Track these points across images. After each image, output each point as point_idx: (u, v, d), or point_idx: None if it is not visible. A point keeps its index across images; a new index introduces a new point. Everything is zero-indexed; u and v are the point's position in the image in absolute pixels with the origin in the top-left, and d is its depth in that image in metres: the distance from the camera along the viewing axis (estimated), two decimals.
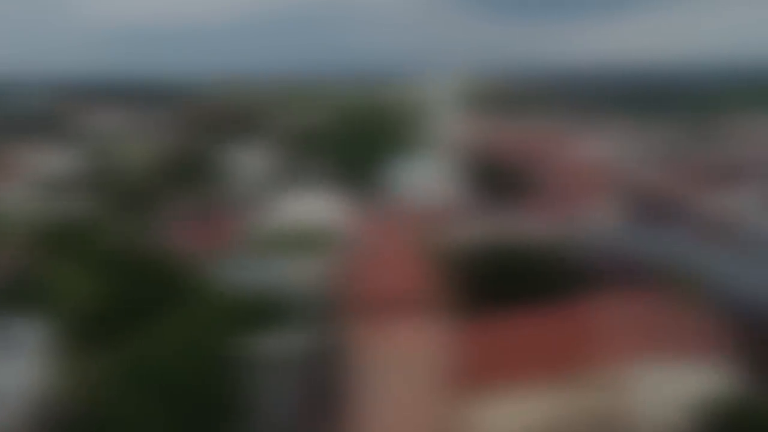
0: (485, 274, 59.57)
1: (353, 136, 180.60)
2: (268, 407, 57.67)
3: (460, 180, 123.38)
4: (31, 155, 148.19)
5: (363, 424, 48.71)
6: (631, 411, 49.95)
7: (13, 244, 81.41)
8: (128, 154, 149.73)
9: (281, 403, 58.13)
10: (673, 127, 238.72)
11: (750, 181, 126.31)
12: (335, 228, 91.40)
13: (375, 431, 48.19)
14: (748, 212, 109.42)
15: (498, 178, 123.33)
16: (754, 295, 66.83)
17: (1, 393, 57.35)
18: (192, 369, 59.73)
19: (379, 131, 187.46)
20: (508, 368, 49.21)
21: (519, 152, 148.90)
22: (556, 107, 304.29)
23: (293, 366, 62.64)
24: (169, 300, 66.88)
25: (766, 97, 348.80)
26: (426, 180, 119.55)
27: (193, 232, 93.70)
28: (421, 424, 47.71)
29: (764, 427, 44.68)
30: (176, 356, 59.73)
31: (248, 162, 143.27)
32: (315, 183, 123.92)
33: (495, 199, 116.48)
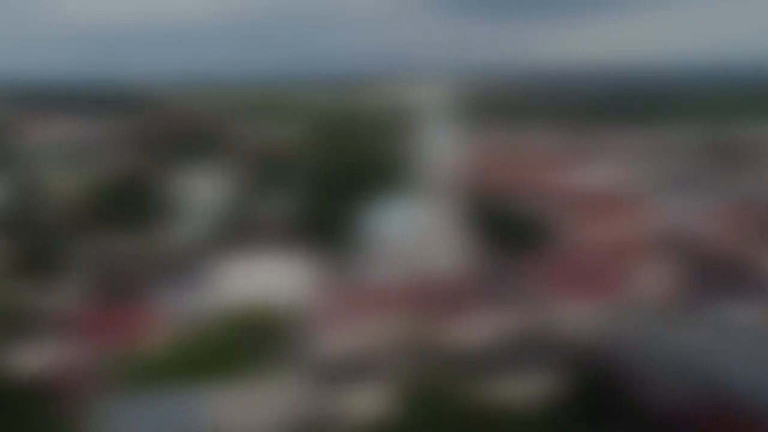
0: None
1: (328, 158, 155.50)
2: None
3: (459, 226, 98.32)
4: None
5: None
6: None
7: None
8: (54, 185, 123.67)
9: None
10: (677, 137, 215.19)
11: None
12: (295, 309, 66.03)
13: None
14: None
15: (506, 225, 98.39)
16: None
17: None
18: None
19: (360, 151, 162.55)
20: None
21: (524, 185, 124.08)
22: (547, 114, 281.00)
23: None
24: None
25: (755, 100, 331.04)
26: (417, 227, 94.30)
27: (98, 319, 68.11)
28: None
29: None
30: None
31: (199, 195, 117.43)
32: (276, 232, 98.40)
33: (505, 254, 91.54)
